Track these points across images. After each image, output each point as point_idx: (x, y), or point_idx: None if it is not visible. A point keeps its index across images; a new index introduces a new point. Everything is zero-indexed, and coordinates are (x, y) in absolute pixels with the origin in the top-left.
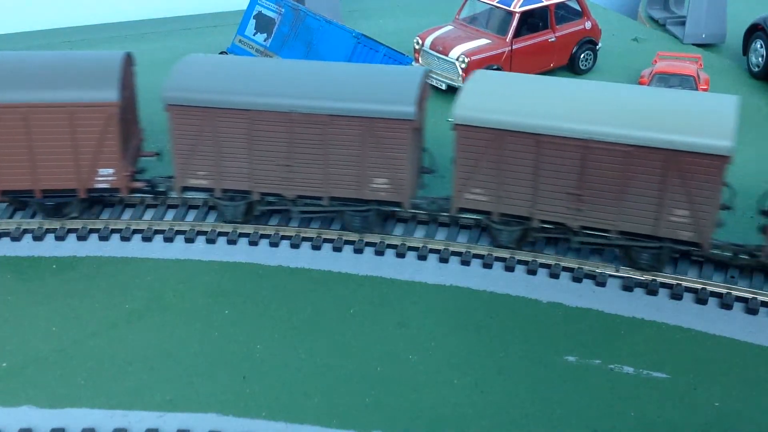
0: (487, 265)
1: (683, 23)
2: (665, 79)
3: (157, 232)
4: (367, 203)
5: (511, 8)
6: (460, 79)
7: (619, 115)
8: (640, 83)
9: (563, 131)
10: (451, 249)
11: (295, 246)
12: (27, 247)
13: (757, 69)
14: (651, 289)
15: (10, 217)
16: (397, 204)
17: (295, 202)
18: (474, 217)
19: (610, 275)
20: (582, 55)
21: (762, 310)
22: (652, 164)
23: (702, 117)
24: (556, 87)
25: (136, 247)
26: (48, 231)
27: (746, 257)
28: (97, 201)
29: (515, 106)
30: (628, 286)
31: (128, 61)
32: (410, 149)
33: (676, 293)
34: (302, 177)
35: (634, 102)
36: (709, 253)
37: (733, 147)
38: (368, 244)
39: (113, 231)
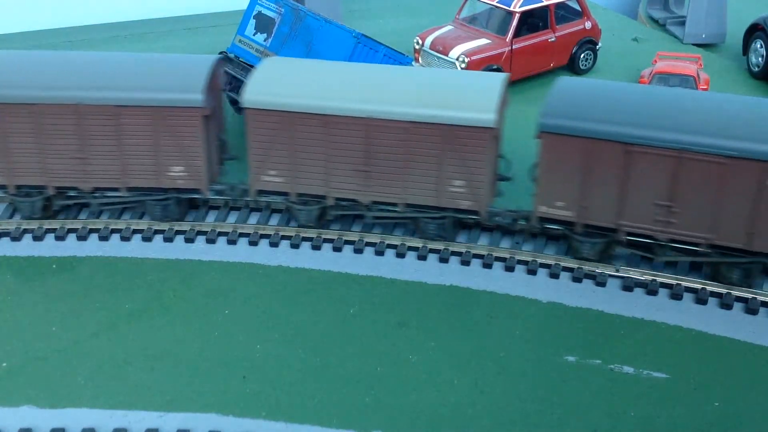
0: (487, 265)
1: (683, 23)
2: (665, 79)
3: (157, 232)
4: (166, 192)
5: (511, 8)
6: None
7: (398, 94)
8: (640, 83)
9: (347, 111)
10: (451, 249)
11: (295, 246)
12: (27, 247)
13: (757, 69)
14: (651, 289)
15: (10, 217)
16: (196, 191)
17: (93, 194)
18: (275, 200)
19: (610, 275)
20: (582, 55)
21: (762, 310)
22: (429, 139)
23: (470, 93)
24: (342, 71)
25: (136, 247)
26: (48, 231)
27: (524, 222)
28: None
29: (303, 90)
30: (628, 286)
31: None
32: (204, 137)
33: (676, 293)
34: (98, 169)
35: (412, 82)
36: (487, 220)
37: (497, 119)
38: (368, 244)
39: (113, 231)
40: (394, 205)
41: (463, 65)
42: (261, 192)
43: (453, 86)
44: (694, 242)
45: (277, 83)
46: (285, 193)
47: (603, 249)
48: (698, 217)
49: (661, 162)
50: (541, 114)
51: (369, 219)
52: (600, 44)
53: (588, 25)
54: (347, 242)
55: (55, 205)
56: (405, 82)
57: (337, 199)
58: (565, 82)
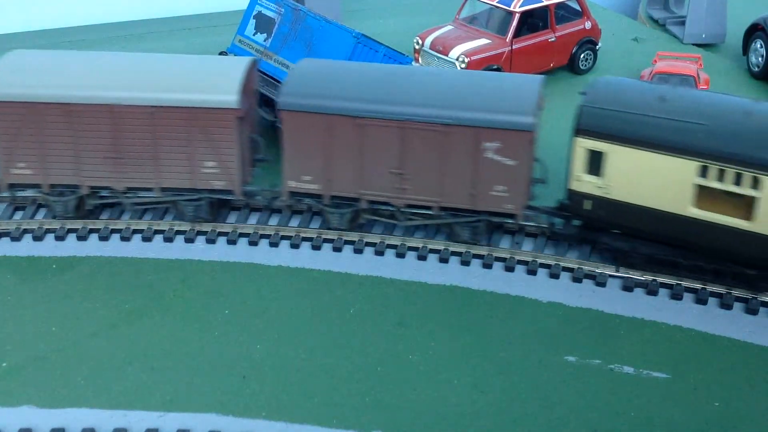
0: (487, 265)
1: (683, 23)
2: (665, 79)
3: (157, 232)
4: None
5: (511, 8)
6: None
7: (142, 80)
8: None
9: (90, 99)
10: (451, 249)
11: (295, 246)
12: (27, 247)
13: (757, 69)
14: (651, 289)
15: (10, 217)
16: None
17: None
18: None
19: (610, 275)
20: (582, 55)
21: (762, 310)
22: (176, 122)
23: (213, 77)
24: (87, 60)
25: (136, 247)
26: (48, 231)
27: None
28: None
29: (45, 80)
30: (628, 286)
31: None
32: None
33: (676, 293)
34: None
35: (156, 68)
36: (243, 199)
37: (241, 101)
38: (368, 244)
39: (113, 231)
40: (151, 189)
41: (463, 65)
42: (12, 186)
43: (196, 70)
44: (427, 206)
45: (19, 75)
46: (38, 186)
47: (351, 218)
48: (427, 183)
49: (389, 133)
50: (280, 94)
51: (129, 207)
52: (600, 44)
53: (588, 25)
54: (347, 242)
55: None
56: (149, 69)
57: (92, 187)
58: (304, 63)
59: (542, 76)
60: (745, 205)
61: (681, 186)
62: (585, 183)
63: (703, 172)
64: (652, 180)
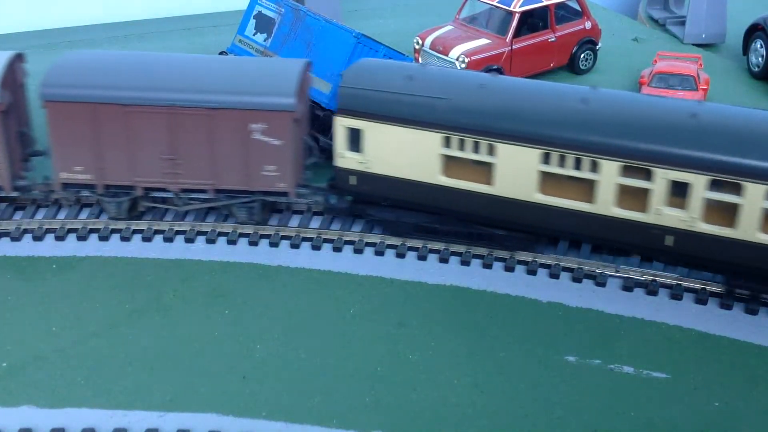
0: (487, 265)
1: (683, 23)
2: (665, 79)
3: (157, 232)
4: None
5: (511, 8)
6: None
7: None
8: (640, 83)
9: None
10: (451, 249)
11: (295, 246)
12: (27, 247)
13: (757, 69)
14: (651, 289)
15: (10, 217)
16: None
17: None
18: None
19: (610, 275)
20: (582, 55)
21: (762, 310)
22: None
23: None
24: None
25: (136, 247)
26: (48, 231)
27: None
28: None
29: None
30: (628, 286)
31: None
32: None
33: (676, 293)
34: None
35: None
36: (13, 195)
37: (6, 95)
38: (368, 244)
39: (113, 231)
40: None
41: (463, 65)
42: None
43: None
44: (203, 189)
45: None
46: None
47: (129, 207)
48: (200, 166)
49: (158, 119)
50: (43, 85)
51: None
52: (600, 44)
53: (588, 25)
54: (347, 242)
55: None
56: None
57: None
58: (68, 55)
59: (305, 60)
60: (486, 171)
61: (429, 157)
62: (348, 159)
63: (447, 142)
64: (405, 153)
